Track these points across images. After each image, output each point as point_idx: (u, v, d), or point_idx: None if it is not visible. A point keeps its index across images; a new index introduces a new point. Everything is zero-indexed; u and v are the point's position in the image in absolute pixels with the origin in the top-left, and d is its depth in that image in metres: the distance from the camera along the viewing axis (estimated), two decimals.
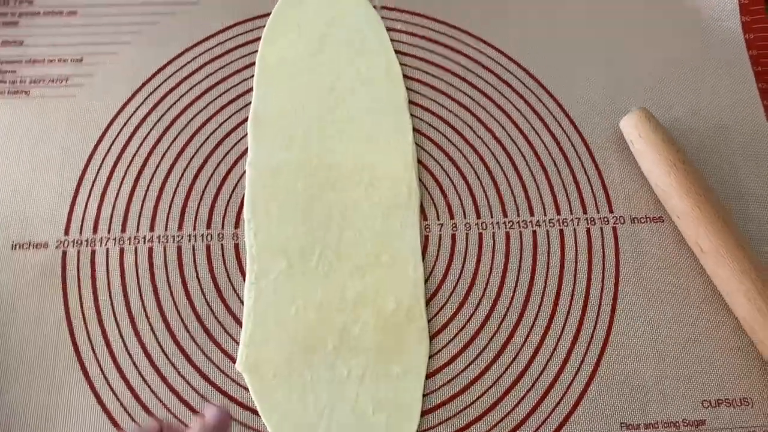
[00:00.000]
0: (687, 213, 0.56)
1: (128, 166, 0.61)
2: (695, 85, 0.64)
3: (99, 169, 0.61)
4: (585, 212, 0.60)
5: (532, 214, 0.60)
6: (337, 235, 0.58)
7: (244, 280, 0.57)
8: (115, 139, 0.62)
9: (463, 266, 0.58)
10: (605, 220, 0.59)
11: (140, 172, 0.60)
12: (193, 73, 0.64)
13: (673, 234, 0.58)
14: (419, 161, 0.61)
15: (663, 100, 0.64)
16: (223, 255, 0.58)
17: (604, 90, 0.64)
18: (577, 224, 0.59)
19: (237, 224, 0.59)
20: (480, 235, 0.59)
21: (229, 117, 0.63)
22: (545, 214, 0.60)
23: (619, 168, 0.61)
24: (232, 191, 0.60)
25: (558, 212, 0.60)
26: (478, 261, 0.58)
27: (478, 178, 0.61)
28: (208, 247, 0.58)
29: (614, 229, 0.59)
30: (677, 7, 0.68)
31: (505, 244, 0.58)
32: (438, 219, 0.59)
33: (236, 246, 0.58)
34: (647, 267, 0.56)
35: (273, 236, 0.57)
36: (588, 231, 0.59)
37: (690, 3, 0.68)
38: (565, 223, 0.59)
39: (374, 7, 0.67)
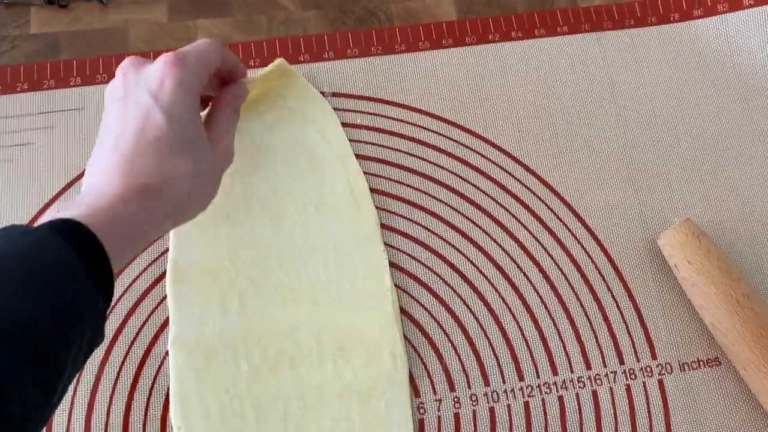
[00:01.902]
0: (759, 365, 0.42)
1: None
2: (739, 179, 0.51)
3: None
4: (622, 363, 0.46)
5: (555, 373, 0.46)
6: None
7: None
8: None
9: None
10: (648, 370, 0.46)
11: None
12: None
13: (734, 379, 0.46)
14: (403, 312, 0.46)
15: (704, 201, 0.50)
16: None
17: (633, 196, 0.49)
18: (614, 380, 0.46)
19: None
20: (491, 409, 0.45)
21: (141, 273, 0.46)
22: (572, 372, 0.46)
23: (658, 298, 0.48)
24: (152, 385, 0.44)
25: (588, 367, 0.46)
26: None
27: (483, 329, 0.46)
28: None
29: (660, 382, 0.46)
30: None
31: (525, 418, 0.45)
32: (434, 393, 0.45)
33: None
34: (706, 424, 0.45)
35: None
36: (628, 388, 0.46)
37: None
38: (598, 381, 0.46)
39: (323, 94, 0.50)
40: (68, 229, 0.30)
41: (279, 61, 0.49)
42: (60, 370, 0.28)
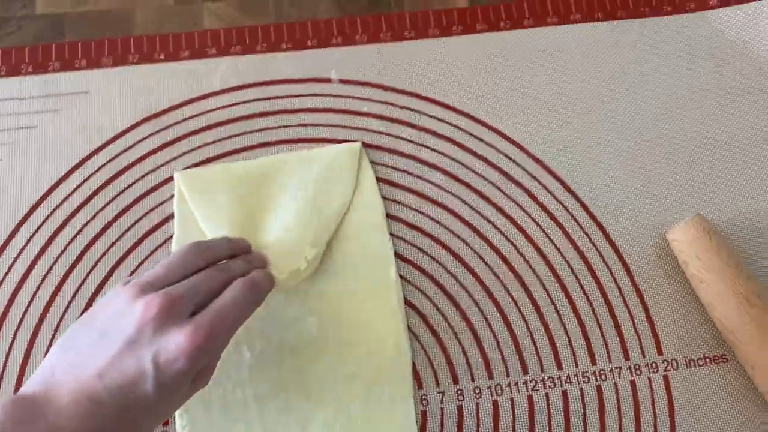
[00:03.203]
0: (767, 364, 0.42)
1: (10, 347, 0.44)
2: (751, 176, 0.50)
3: None
4: (627, 358, 0.46)
5: (559, 367, 0.45)
6: (302, 424, 0.43)
7: None
8: None
9: None
10: (653, 366, 0.46)
11: (29, 349, 0.44)
12: (87, 201, 0.47)
13: (741, 377, 0.46)
14: (407, 304, 0.45)
15: (714, 197, 0.49)
16: None
17: (642, 189, 0.49)
18: (618, 375, 0.45)
19: (165, 421, 0.43)
20: (494, 402, 0.44)
21: (146, 258, 0.46)
22: (577, 366, 0.45)
23: (666, 294, 0.47)
24: None
25: (593, 362, 0.46)
26: None
27: (487, 322, 0.46)
28: None
29: (665, 378, 0.45)
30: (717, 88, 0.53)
31: (528, 411, 0.45)
32: (437, 386, 0.45)
33: None
34: (710, 422, 0.45)
35: None
36: (632, 383, 0.45)
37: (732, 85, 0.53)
38: (603, 376, 0.45)
39: (330, 80, 0.50)
40: None
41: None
42: None
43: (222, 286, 0.37)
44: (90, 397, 0.32)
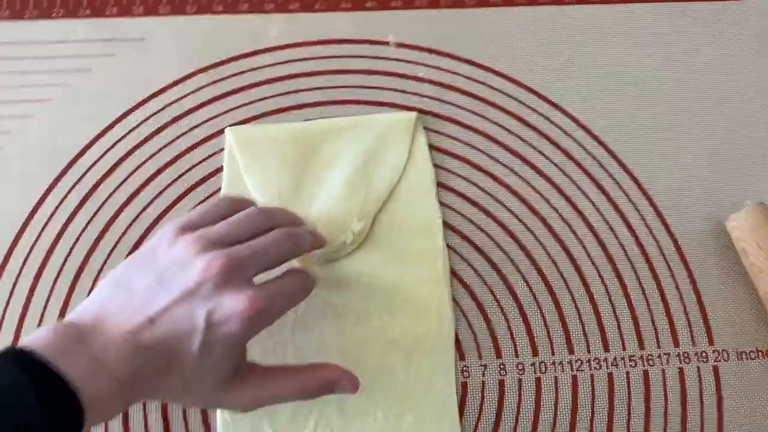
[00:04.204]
0: None
1: (52, 288, 0.43)
2: None
3: (12, 291, 0.43)
4: (677, 345, 0.44)
5: (606, 349, 0.44)
6: None
7: None
8: (31, 249, 0.44)
9: (515, 425, 0.43)
10: (703, 356, 0.44)
11: (71, 293, 0.44)
12: (136, 148, 0.46)
13: None
14: (453, 273, 0.44)
15: None
16: (184, 417, 0.41)
17: (703, 173, 0.47)
18: (667, 362, 0.44)
19: None
20: (537, 380, 0.43)
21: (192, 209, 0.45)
22: (624, 349, 0.44)
23: (721, 283, 0.45)
24: None
25: (641, 346, 0.44)
26: (536, 417, 0.42)
27: (535, 298, 0.44)
28: (163, 408, 0.41)
29: (715, 369, 0.44)
30: None
31: (572, 392, 0.43)
32: (480, 358, 0.44)
33: None
34: (759, 416, 0.43)
35: None
36: (681, 371, 0.44)
37: None
38: (651, 361, 0.44)
39: (389, 44, 0.49)
40: (42, 378, 0.28)
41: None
42: None
43: (289, 256, 0.37)
44: (137, 340, 0.32)
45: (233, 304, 0.33)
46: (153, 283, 0.33)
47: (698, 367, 0.44)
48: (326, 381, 0.37)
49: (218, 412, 0.41)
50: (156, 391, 0.33)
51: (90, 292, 0.42)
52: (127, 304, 0.33)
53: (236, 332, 0.33)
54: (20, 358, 0.29)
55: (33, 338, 0.30)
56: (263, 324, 0.35)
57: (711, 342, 0.45)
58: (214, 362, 0.33)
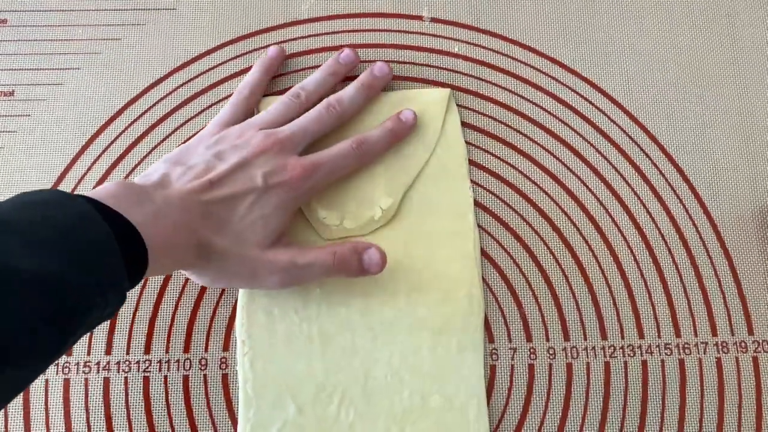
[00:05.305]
0: None
1: None
2: None
3: None
4: (714, 334, 0.43)
5: (641, 336, 0.42)
6: (366, 366, 0.41)
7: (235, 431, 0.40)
8: None
9: (545, 410, 0.41)
10: (742, 345, 0.42)
11: None
12: (164, 118, 0.46)
13: None
14: (483, 254, 0.43)
15: None
16: (206, 392, 0.41)
17: (745, 158, 0.46)
18: (704, 351, 0.42)
19: (226, 346, 0.41)
20: (569, 365, 0.42)
21: None
22: (659, 337, 0.43)
23: (762, 271, 0.44)
24: (219, 296, 0.42)
25: (677, 334, 0.43)
26: (567, 403, 0.41)
27: (568, 281, 0.43)
28: (185, 380, 0.41)
29: (755, 360, 0.43)
30: None
31: (604, 379, 0.42)
32: (509, 341, 0.42)
33: (224, 378, 0.41)
34: None
35: (277, 366, 0.41)
36: (718, 361, 0.42)
37: None
38: (687, 350, 0.42)
39: (423, 19, 0.48)
40: (122, 226, 0.31)
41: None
42: (74, 330, 0.29)
43: (332, 126, 0.42)
44: (199, 198, 0.36)
45: (285, 169, 0.39)
46: (211, 157, 0.38)
47: (737, 358, 0.43)
48: (354, 247, 0.40)
49: (240, 386, 0.41)
50: (209, 247, 0.36)
51: None
52: (188, 172, 0.37)
53: (288, 191, 0.39)
54: (91, 202, 0.31)
55: (99, 189, 0.33)
56: (312, 188, 0.40)
57: (751, 332, 0.43)
58: (265, 216, 0.38)
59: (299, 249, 0.39)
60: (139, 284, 0.38)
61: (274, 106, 0.42)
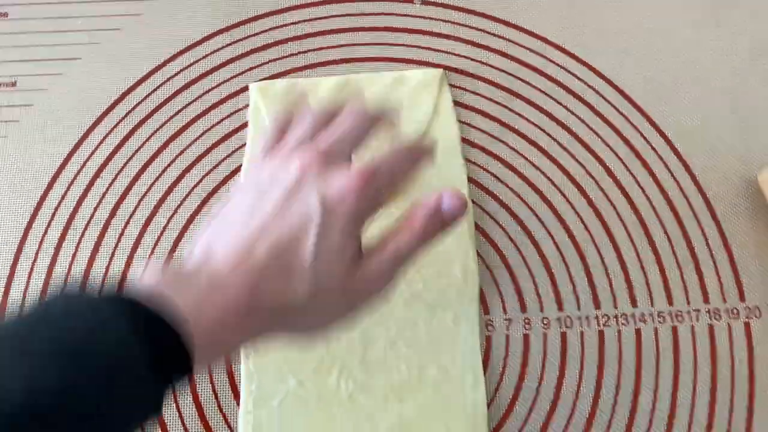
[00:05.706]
0: None
1: (80, 239, 0.44)
2: None
3: (41, 241, 0.44)
4: (707, 301, 0.43)
5: (634, 304, 0.43)
6: (365, 339, 0.42)
7: (238, 405, 0.40)
8: (61, 201, 0.45)
9: (540, 380, 0.42)
10: (734, 312, 0.43)
11: (99, 242, 0.44)
12: (165, 103, 0.47)
13: None
14: (477, 228, 0.44)
15: None
16: (208, 366, 0.41)
17: (735, 130, 0.46)
18: (696, 319, 0.43)
19: None
20: (563, 335, 0.43)
21: (217, 164, 0.46)
22: (652, 305, 0.43)
23: (752, 239, 0.44)
24: None
25: (670, 302, 0.43)
26: (562, 372, 0.42)
27: (560, 253, 0.44)
28: None
29: (746, 325, 0.43)
30: None
31: (598, 348, 0.42)
32: (504, 313, 0.43)
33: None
34: None
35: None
36: (711, 328, 0.43)
37: None
38: (680, 318, 0.43)
39: (414, 2, 0.49)
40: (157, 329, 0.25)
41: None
42: None
43: (370, 124, 0.35)
44: (250, 255, 0.29)
45: (342, 181, 0.30)
46: (255, 200, 0.31)
47: (729, 324, 0.43)
48: (428, 208, 0.33)
49: (242, 361, 0.42)
50: (281, 309, 0.29)
51: (117, 243, 0.43)
52: (232, 228, 0.30)
53: (353, 205, 0.30)
54: (124, 306, 0.25)
55: (141, 280, 0.27)
56: (377, 196, 0.32)
57: (742, 298, 0.44)
58: (338, 245, 0.30)
59: (377, 244, 0.32)
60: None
61: (299, 122, 0.35)
